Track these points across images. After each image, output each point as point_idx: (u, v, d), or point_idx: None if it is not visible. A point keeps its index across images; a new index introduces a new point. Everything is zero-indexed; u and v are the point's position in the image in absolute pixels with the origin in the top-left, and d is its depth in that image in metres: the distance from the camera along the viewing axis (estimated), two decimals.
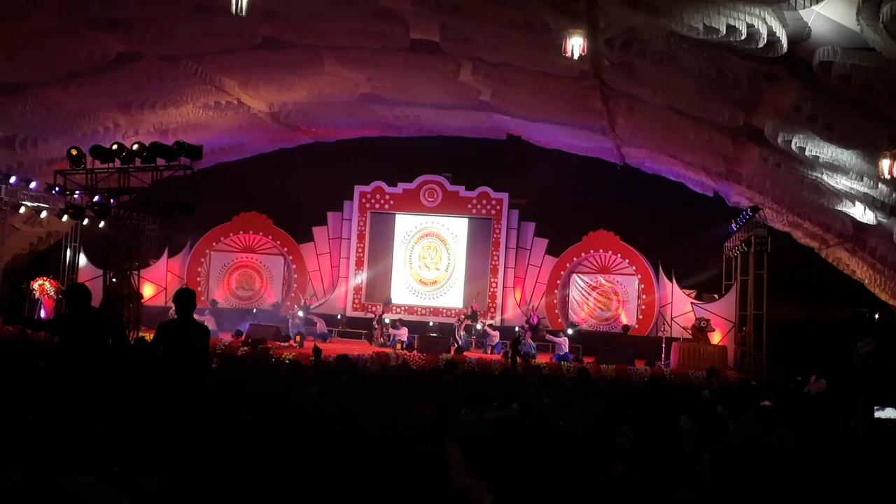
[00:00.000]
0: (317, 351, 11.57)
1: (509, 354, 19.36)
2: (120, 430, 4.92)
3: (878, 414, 10.63)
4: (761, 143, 15.30)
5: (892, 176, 11.89)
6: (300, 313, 22.25)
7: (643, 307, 23.44)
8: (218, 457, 4.55)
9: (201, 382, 7.32)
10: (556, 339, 20.47)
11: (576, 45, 12.28)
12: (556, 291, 23.78)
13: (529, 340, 20.37)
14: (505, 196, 24.21)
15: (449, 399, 7.36)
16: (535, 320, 22.30)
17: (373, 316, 22.39)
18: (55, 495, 3.27)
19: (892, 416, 10.75)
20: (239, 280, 25.12)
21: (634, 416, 7.50)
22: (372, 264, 24.85)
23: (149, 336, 15.08)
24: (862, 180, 13.91)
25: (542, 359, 19.18)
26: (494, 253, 24.21)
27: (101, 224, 19.15)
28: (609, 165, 22.31)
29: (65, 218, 18.58)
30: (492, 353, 20.45)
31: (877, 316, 19.32)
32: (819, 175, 15.05)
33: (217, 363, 11.66)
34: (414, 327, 22.12)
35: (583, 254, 24.03)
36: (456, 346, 20.32)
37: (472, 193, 24.41)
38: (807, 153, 14.06)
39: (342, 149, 24.28)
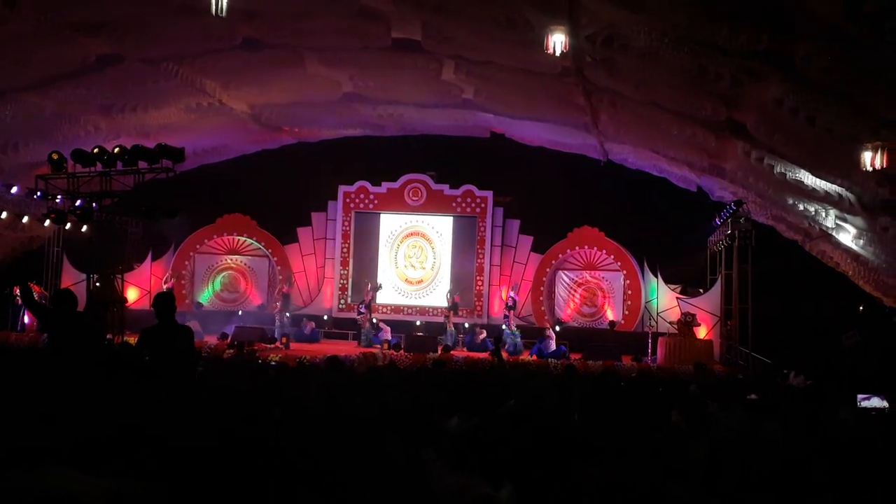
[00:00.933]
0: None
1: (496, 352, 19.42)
2: (105, 432, 4.88)
3: (864, 404, 10.70)
4: (744, 137, 15.35)
5: (874, 167, 11.94)
6: (287, 313, 22.28)
7: (629, 303, 23.50)
8: (204, 462, 4.52)
9: (189, 384, 7.29)
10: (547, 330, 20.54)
11: (558, 41, 12.29)
12: (541, 288, 23.79)
13: (513, 327, 20.44)
14: (489, 194, 24.24)
15: (434, 401, 7.33)
16: (518, 298, 22.27)
17: (360, 315, 22.30)
18: (42, 490, 3.26)
19: (878, 406, 10.82)
20: (224, 282, 25.05)
21: (625, 412, 7.51)
22: (357, 264, 24.82)
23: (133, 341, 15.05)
24: (844, 174, 13.98)
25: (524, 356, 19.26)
26: (480, 251, 24.22)
27: (84, 228, 19.03)
28: (593, 162, 22.32)
29: (47, 223, 18.47)
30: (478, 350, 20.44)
31: (861, 308, 19.40)
32: (801, 171, 15.11)
33: (203, 367, 11.60)
34: (401, 327, 22.09)
35: (568, 250, 24.06)
36: (444, 344, 20.28)
37: (456, 192, 24.42)
38: (788, 147, 14.15)
39: (325, 149, 24.21)
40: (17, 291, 20.65)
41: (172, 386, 7.00)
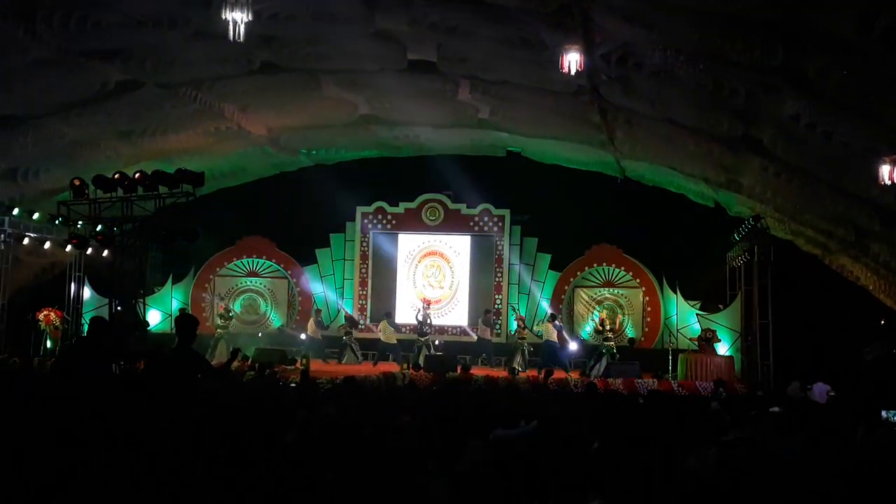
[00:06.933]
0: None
1: (515, 371, 19.38)
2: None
3: (894, 418, 10.54)
4: (761, 152, 15.31)
5: (892, 181, 11.87)
6: (302, 335, 22.42)
7: (648, 320, 23.37)
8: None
9: (189, 410, 7.30)
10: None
11: (572, 60, 12.33)
12: (560, 306, 23.69)
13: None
14: (507, 213, 24.19)
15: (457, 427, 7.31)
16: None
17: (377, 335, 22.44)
18: None
19: None
20: (244, 304, 25.06)
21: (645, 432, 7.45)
22: (376, 284, 24.82)
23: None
24: (862, 186, 13.92)
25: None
26: (498, 270, 24.17)
27: (105, 253, 19.15)
28: (609, 179, 22.30)
29: (68, 248, 18.59)
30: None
31: (882, 321, 19.23)
32: (820, 183, 15.05)
33: (223, 387, 11.61)
34: (420, 345, 21.98)
35: (586, 268, 23.98)
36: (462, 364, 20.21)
37: (473, 211, 24.39)
38: (806, 161, 14.11)
39: (343, 170, 24.28)
40: (40, 316, 20.81)
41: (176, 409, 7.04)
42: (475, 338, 22.52)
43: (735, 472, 5.91)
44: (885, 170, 11.79)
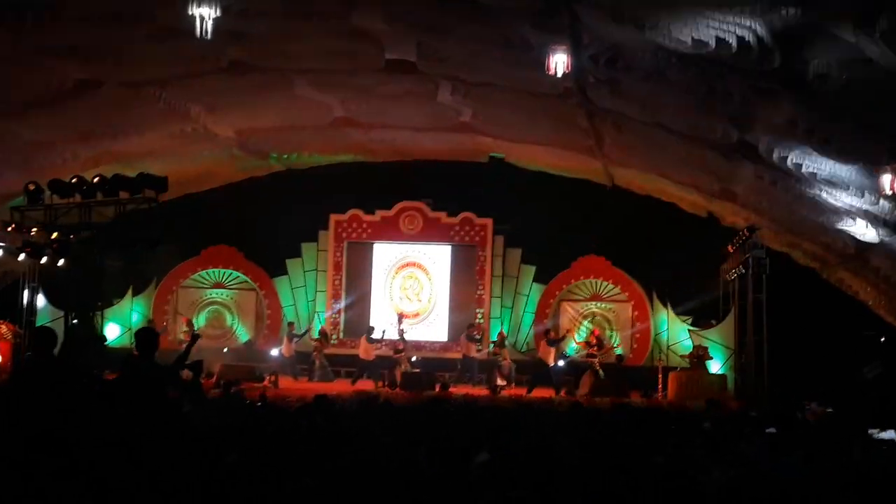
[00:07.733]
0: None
1: (497, 389, 19.38)
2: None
3: (881, 436, 10.63)
4: (756, 160, 15.38)
5: (892, 191, 11.98)
6: (273, 351, 22.29)
7: (637, 335, 23.36)
8: None
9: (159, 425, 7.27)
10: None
11: (559, 61, 12.37)
12: (545, 321, 23.66)
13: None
14: (489, 221, 24.14)
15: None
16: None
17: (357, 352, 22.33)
18: None
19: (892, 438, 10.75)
20: (209, 318, 24.87)
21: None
22: (350, 297, 24.70)
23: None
24: (862, 196, 14.03)
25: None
26: (480, 282, 24.11)
27: (61, 262, 19.00)
28: (597, 187, 22.34)
29: (22, 257, 18.43)
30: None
31: (882, 339, 19.34)
32: (818, 192, 15.14)
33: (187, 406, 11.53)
34: (395, 362, 21.94)
35: (573, 280, 23.98)
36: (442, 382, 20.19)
37: (454, 219, 24.32)
38: (804, 170, 14.18)
39: (316, 176, 24.19)
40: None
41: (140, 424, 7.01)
42: (461, 355, 22.34)
43: (731, 493, 5.93)
44: (886, 179, 11.90)
